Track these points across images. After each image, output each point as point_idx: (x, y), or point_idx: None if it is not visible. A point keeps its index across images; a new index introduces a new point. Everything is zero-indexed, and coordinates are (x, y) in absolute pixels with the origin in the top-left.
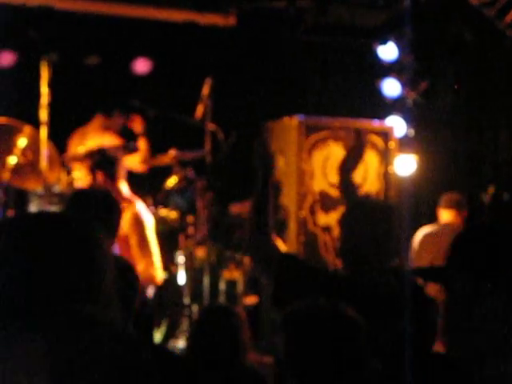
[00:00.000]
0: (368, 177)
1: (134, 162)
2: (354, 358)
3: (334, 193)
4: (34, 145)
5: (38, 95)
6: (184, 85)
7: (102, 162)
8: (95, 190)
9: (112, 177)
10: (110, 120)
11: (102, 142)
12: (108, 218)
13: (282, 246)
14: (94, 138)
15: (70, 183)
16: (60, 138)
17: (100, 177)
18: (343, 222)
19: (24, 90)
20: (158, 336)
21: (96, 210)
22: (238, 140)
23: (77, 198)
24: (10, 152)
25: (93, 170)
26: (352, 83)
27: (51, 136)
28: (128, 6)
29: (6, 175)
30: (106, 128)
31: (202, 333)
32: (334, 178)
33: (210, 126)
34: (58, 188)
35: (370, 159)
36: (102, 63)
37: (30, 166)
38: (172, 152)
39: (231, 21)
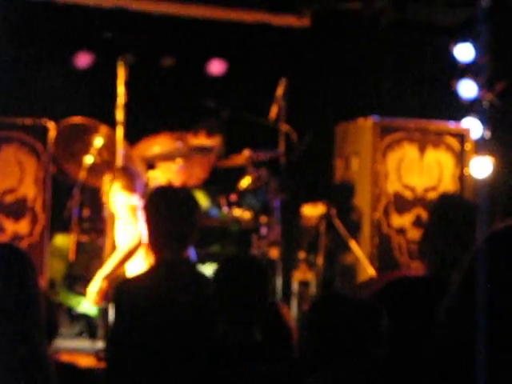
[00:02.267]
0: (443, 179)
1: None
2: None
3: (409, 194)
4: (110, 144)
5: (114, 95)
6: (258, 86)
7: None
8: (175, 187)
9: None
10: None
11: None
12: (189, 217)
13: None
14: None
15: (146, 182)
16: (135, 138)
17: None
18: (425, 220)
19: (100, 90)
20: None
21: (179, 207)
22: (312, 141)
23: (158, 198)
24: (86, 151)
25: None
26: (428, 84)
27: (127, 136)
28: (202, 7)
29: (83, 174)
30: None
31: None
32: (409, 179)
33: (284, 127)
34: None
35: (446, 161)
36: (178, 64)
37: (105, 165)
38: (246, 152)
39: (305, 22)
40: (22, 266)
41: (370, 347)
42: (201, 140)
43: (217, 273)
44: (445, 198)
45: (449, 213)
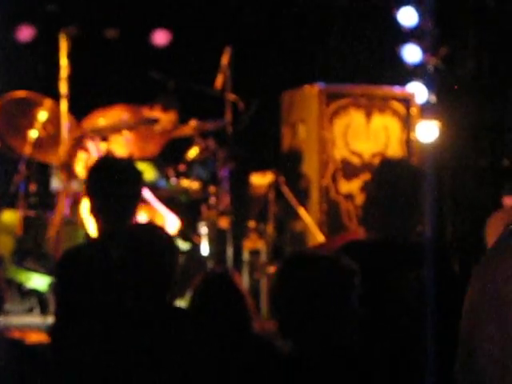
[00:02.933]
0: (390, 144)
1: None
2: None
3: (356, 160)
4: (54, 118)
5: (57, 68)
6: (203, 55)
7: None
8: (116, 159)
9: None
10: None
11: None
12: (130, 188)
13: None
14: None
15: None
16: (80, 111)
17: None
18: (368, 185)
19: (43, 63)
20: (182, 305)
21: (119, 178)
22: (258, 109)
23: (100, 168)
24: (30, 126)
25: None
26: (372, 49)
27: (71, 109)
28: None
29: (28, 149)
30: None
31: (206, 302)
32: (356, 145)
33: (230, 96)
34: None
35: (392, 126)
36: (121, 36)
37: (50, 139)
38: (192, 123)
39: None
40: None
41: (350, 305)
42: (156, 114)
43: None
44: (386, 163)
45: (390, 177)
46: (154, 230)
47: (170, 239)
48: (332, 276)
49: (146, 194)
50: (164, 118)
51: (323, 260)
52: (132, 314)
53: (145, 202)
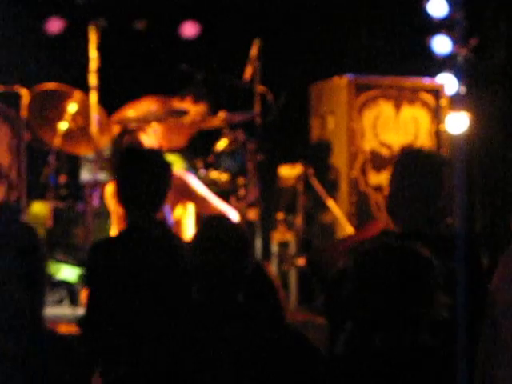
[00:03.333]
0: (419, 135)
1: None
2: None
3: (385, 152)
4: (84, 110)
5: (86, 61)
6: (232, 47)
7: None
8: (144, 150)
9: None
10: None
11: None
12: (159, 179)
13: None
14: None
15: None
16: (110, 103)
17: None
18: (393, 176)
19: (73, 55)
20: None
21: (148, 169)
22: (287, 101)
23: (127, 158)
24: (60, 118)
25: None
26: (402, 41)
27: (101, 101)
28: None
29: (57, 141)
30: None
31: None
32: (385, 136)
33: (259, 88)
34: (109, 152)
35: (421, 117)
36: (150, 27)
37: (80, 131)
38: (221, 114)
39: None
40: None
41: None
42: (186, 106)
43: (196, 236)
44: (408, 153)
45: (410, 167)
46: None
47: (243, 230)
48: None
49: (203, 188)
50: (193, 109)
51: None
52: (201, 307)
53: (200, 196)
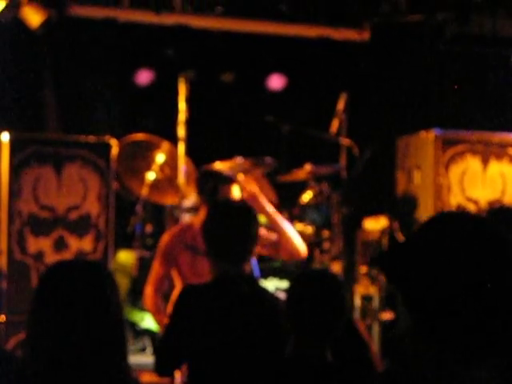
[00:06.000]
0: (507, 191)
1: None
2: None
3: (472, 207)
4: (171, 160)
5: (175, 112)
6: (319, 100)
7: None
8: (234, 202)
9: None
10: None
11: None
12: (248, 231)
13: None
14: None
15: None
16: (197, 154)
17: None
18: None
19: (162, 107)
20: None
21: (237, 221)
22: (373, 154)
23: (218, 210)
24: (148, 168)
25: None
26: (491, 96)
27: (188, 152)
28: (262, 22)
29: (145, 190)
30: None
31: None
32: (472, 192)
33: (345, 141)
34: (191, 202)
35: (509, 173)
36: (237, 80)
37: (167, 181)
38: (307, 167)
39: (365, 35)
40: (107, 283)
41: None
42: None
43: (292, 289)
44: (496, 210)
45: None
46: (322, 277)
47: (340, 284)
48: None
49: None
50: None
51: None
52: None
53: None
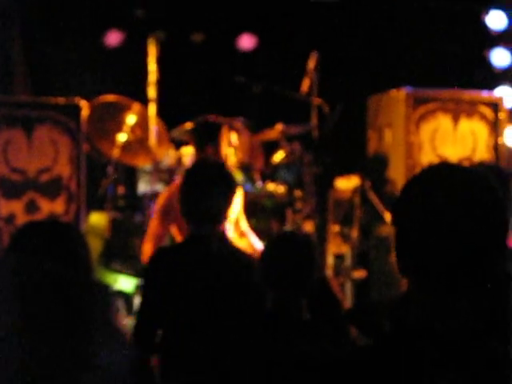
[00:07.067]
0: (477, 148)
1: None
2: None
3: None
4: (142, 122)
5: (145, 73)
6: (289, 60)
7: (209, 133)
8: (210, 163)
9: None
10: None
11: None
12: (223, 192)
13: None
14: None
15: (179, 159)
16: (168, 115)
17: (209, 150)
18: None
19: (132, 68)
20: None
21: (212, 182)
22: (344, 113)
23: (193, 171)
24: (119, 129)
25: (202, 144)
26: (460, 53)
27: (159, 113)
28: None
29: (116, 152)
30: None
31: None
32: (443, 150)
33: (316, 100)
34: (166, 164)
35: (480, 130)
36: (208, 40)
37: (139, 142)
38: (278, 127)
39: None
40: (77, 243)
41: None
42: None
43: (266, 250)
44: (479, 167)
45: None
46: (293, 238)
47: (311, 244)
48: None
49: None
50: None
51: None
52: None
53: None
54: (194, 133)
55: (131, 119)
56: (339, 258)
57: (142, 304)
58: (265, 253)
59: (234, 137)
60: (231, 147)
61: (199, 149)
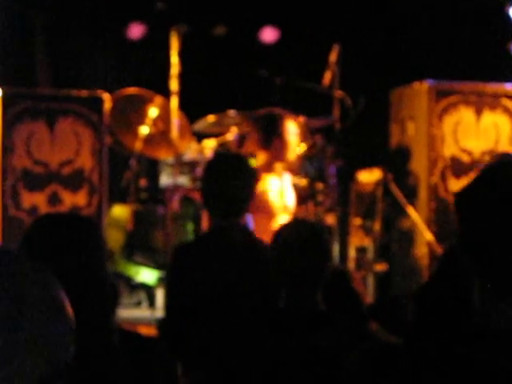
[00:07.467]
0: (500, 141)
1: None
2: None
3: (466, 158)
4: (164, 115)
5: (167, 66)
6: (311, 52)
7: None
8: (231, 156)
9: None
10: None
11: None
12: (244, 184)
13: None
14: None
15: (201, 152)
16: (190, 108)
17: (277, 143)
18: None
19: (154, 60)
20: None
21: (234, 174)
22: (366, 106)
23: (214, 164)
24: (141, 122)
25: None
26: (483, 46)
27: (181, 105)
28: None
29: (138, 145)
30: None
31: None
32: (466, 142)
33: (338, 93)
34: (188, 157)
35: (502, 123)
36: (230, 33)
37: (161, 135)
38: (300, 119)
39: None
40: (90, 234)
41: None
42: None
43: (275, 238)
44: (503, 158)
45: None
46: (304, 227)
47: (322, 233)
48: None
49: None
50: None
51: None
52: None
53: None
54: (260, 127)
55: (153, 112)
56: (361, 251)
57: (169, 300)
58: (274, 241)
59: (294, 127)
60: (294, 138)
61: (266, 142)
